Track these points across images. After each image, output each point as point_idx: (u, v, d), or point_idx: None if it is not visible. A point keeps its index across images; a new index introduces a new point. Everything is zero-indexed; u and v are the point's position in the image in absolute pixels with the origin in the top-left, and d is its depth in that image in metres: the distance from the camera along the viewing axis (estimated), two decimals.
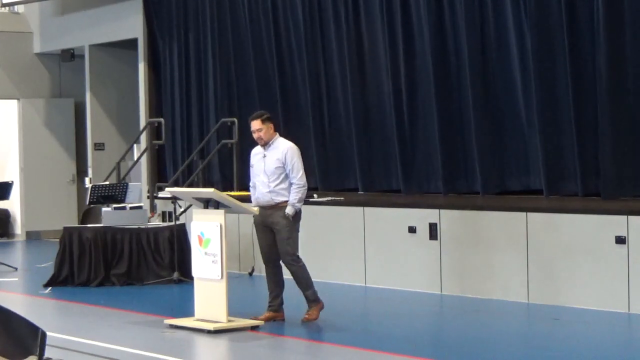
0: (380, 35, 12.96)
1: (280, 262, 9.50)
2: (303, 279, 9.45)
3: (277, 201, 9.33)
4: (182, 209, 13.25)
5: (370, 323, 9.75)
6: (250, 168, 9.62)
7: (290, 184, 9.34)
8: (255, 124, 9.40)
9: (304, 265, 9.48)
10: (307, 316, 9.45)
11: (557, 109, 11.16)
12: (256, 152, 9.55)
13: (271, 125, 9.45)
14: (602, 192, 10.62)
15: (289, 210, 9.26)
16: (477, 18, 11.85)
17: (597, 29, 10.59)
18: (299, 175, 9.33)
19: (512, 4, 11.54)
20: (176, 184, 14.54)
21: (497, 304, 10.36)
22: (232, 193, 12.04)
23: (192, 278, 9.61)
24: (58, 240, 12.89)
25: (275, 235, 9.36)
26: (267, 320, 9.37)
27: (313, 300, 9.49)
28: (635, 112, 10.59)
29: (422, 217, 11.33)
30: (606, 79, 10.52)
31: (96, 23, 17.59)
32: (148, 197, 15.38)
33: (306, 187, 9.41)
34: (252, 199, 9.56)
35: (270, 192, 9.33)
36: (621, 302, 9.61)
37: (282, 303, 9.50)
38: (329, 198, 12.72)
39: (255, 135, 9.45)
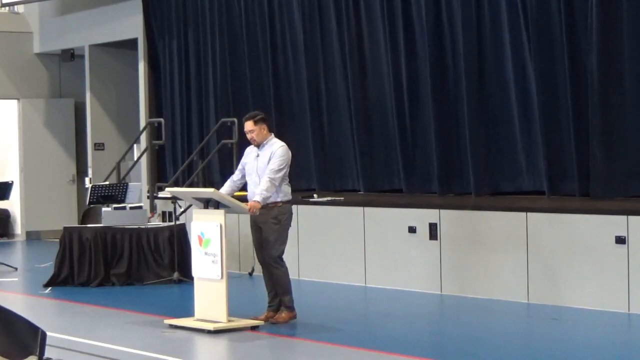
0: (382, 34, 12.97)
1: None
2: (283, 283, 9.42)
3: (269, 202, 9.30)
4: (182, 209, 13.25)
5: (370, 323, 9.75)
6: (240, 163, 9.59)
7: (283, 185, 9.30)
8: (248, 125, 9.39)
9: (286, 270, 9.46)
10: (277, 317, 9.40)
11: (557, 109, 11.15)
12: (250, 150, 9.54)
13: (264, 126, 9.41)
14: (591, 192, 10.63)
15: (256, 198, 9.15)
16: (473, 20, 11.85)
17: (590, 28, 10.60)
18: (274, 171, 9.15)
19: (509, 7, 11.54)
20: (176, 184, 14.54)
21: (497, 304, 10.36)
22: None
23: (192, 278, 9.61)
24: (58, 240, 12.89)
25: (263, 235, 9.34)
26: (267, 319, 9.36)
27: (289, 306, 9.46)
28: (627, 112, 10.59)
29: (422, 217, 11.33)
30: (597, 79, 10.54)
31: (96, 23, 17.60)
32: (148, 197, 15.38)
33: (275, 186, 9.17)
34: (223, 190, 9.51)
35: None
36: (621, 302, 9.61)
37: (280, 303, 9.49)
38: (329, 198, 12.72)
39: (248, 136, 9.44)
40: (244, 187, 9.75)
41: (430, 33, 12.23)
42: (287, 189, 9.44)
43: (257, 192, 9.20)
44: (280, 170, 9.24)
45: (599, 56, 10.52)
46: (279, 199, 9.33)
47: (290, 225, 9.47)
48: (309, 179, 13.83)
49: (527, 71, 11.43)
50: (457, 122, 12.16)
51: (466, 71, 11.86)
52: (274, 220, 9.30)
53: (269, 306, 9.49)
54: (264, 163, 9.30)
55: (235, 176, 9.64)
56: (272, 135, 9.49)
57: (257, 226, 9.41)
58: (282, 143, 9.43)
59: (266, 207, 9.29)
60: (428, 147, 12.47)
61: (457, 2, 11.96)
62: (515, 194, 11.71)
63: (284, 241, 9.41)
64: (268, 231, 9.32)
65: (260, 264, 9.58)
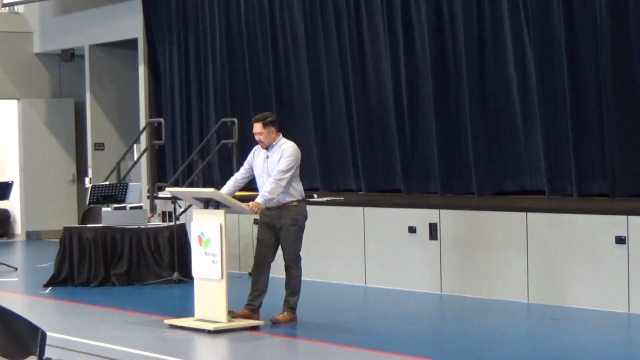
0: (382, 35, 12.97)
1: (271, 264, 9.46)
2: (295, 284, 9.43)
3: (285, 201, 9.28)
4: (182, 209, 13.25)
5: (370, 323, 9.75)
6: (246, 163, 9.54)
7: (294, 182, 9.28)
8: (257, 127, 9.32)
9: (301, 271, 9.47)
10: (279, 317, 9.38)
11: (557, 109, 11.16)
12: (259, 151, 9.47)
13: (273, 129, 9.35)
14: (610, 191, 10.63)
15: (258, 199, 9.14)
16: (474, 19, 11.86)
17: (600, 28, 10.60)
18: (282, 172, 9.13)
19: (510, 5, 11.54)
20: (176, 184, 14.54)
21: (497, 304, 10.36)
22: None
23: (192, 278, 9.61)
24: (58, 240, 12.89)
25: (281, 236, 9.33)
26: (243, 317, 9.28)
27: (292, 308, 9.45)
28: (638, 110, 10.61)
29: (422, 217, 11.33)
30: (610, 78, 10.54)
31: (96, 23, 17.60)
32: (148, 197, 15.38)
33: (281, 187, 9.12)
34: (225, 188, 9.48)
35: None
36: (621, 302, 9.61)
37: (260, 305, 9.39)
38: (329, 198, 12.72)
39: (256, 138, 9.38)
40: (245, 186, 9.74)
41: (431, 32, 12.23)
42: (300, 187, 9.41)
43: (260, 193, 9.18)
44: (288, 170, 9.19)
45: (610, 56, 10.51)
46: (294, 198, 9.32)
47: (305, 222, 9.46)
48: (312, 179, 13.82)
49: (529, 69, 11.42)
50: (458, 122, 12.16)
51: (467, 70, 11.86)
52: (291, 222, 9.29)
53: (248, 304, 9.36)
54: (274, 164, 9.25)
55: (240, 174, 9.60)
56: (280, 135, 9.44)
57: (271, 227, 9.37)
58: (292, 143, 9.37)
59: (283, 207, 9.27)
60: (429, 146, 12.46)
61: (459, 3, 11.95)
62: (519, 194, 11.70)
63: (301, 240, 9.41)
64: (286, 233, 9.29)
65: (259, 264, 9.44)
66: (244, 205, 9.17)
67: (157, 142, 15.67)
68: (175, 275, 12.30)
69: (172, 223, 12.73)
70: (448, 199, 11.96)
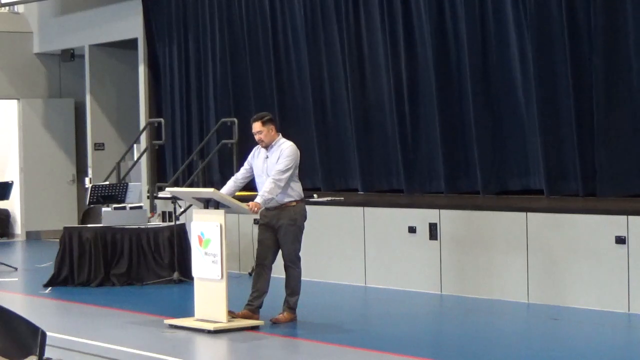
0: (381, 35, 12.97)
1: (272, 265, 9.46)
2: (294, 284, 9.42)
3: (284, 202, 9.28)
4: (182, 209, 13.25)
5: (370, 323, 9.75)
6: (246, 163, 9.54)
7: (293, 182, 9.28)
8: (256, 126, 9.33)
9: (300, 271, 9.46)
10: (279, 317, 9.38)
11: (558, 108, 11.16)
12: (259, 152, 9.46)
13: (272, 127, 9.36)
14: (598, 190, 10.64)
15: (257, 199, 9.13)
16: (477, 18, 11.86)
17: (594, 27, 10.61)
18: (281, 172, 9.12)
19: (512, 4, 11.55)
20: (176, 184, 14.54)
21: (497, 304, 10.36)
22: None
23: (192, 278, 9.61)
24: (58, 240, 12.89)
25: (279, 236, 9.33)
26: (243, 317, 9.29)
27: (292, 308, 9.45)
28: (632, 110, 10.60)
29: (422, 217, 11.33)
30: (602, 78, 10.54)
31: (96, 23, 17.60)
32: (148, 197, 15.39)
33: (280, 187, 9.12)
34: (226, 188, 9.48)
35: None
36: (621, 302, 9.61)
37: (260, 306, 9.39)
38: (329, 198, 12.72)
39: (256, 137, 9.38)
40: (245, 186, 9.74)
41: (433, 31, 12.21)
42: (298, 187, 9.41)
43: (260, 193, 9.18)
44: (286, 170, 9.18)
45: (604, 55, 10.51)
46: (292, 199, 9.31)
47: (304, 222, 9.45)
48: (314, 179, 13.82)
49: (529, 68, 11.41)
50: (462, 121, 12.15)
51: (470, 68, 11.82)
52: (290, 222, 9.28)
53: (248, 305, 9.37)
54: (273, 164, 9.24)
55: (240, 174, 9.60)
56: (280, 135, 9.44)
57: (270, 227, 9.36)
58: (291, 143, 9.36)
59: (280, 207, 9.27)
60: (433, 146, 12.45)
61: (461, 1, 11.94)
62: (524, 193, 11.68)
63: (299, 241, 9.40)
64: (285, 233, 9.28)
65: (260, 265, 9.46)
66: (244, 205, 9.17)
67: (157, 142, 15.67)
68: (175, 275, 12.30)
69: (172, 223, 12.73)
70: (448, 199, 11.95)
